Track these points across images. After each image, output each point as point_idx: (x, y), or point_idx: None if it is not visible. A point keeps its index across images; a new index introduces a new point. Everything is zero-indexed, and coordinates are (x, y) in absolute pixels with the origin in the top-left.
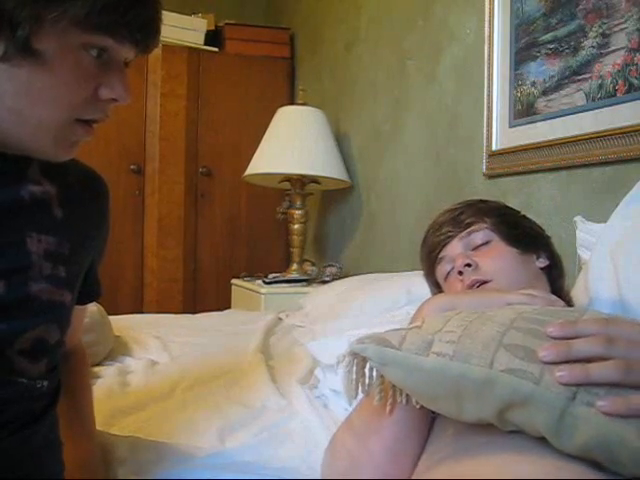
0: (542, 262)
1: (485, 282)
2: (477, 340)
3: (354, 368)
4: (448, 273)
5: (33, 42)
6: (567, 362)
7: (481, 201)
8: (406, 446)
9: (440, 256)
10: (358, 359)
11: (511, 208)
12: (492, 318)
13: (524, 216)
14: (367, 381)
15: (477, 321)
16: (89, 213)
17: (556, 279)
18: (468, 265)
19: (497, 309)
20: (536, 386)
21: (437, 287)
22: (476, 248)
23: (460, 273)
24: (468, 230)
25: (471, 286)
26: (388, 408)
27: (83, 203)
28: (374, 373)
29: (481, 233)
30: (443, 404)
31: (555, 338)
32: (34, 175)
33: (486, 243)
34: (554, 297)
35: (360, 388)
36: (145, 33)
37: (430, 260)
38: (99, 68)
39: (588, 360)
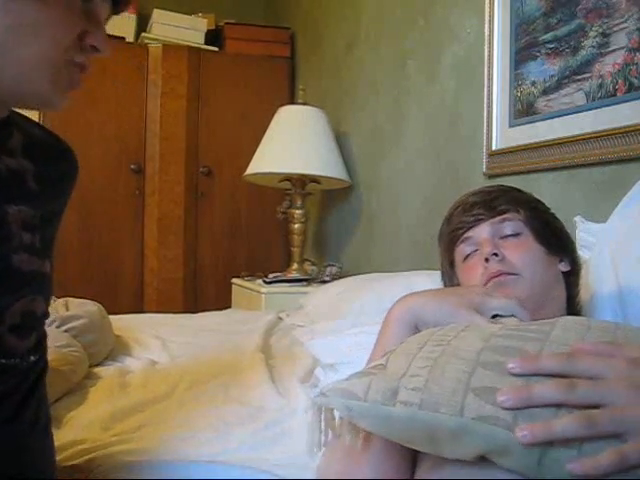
0: (564, 266)
1: (509, 274)
2: (444, 385)
3: (322, 416)
4: (469, 255)
5: None
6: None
7: (515, 189)
8: (391, 467)
9: (465, 236)
10: (326, 409)
11: (543, 203)
12: (458, 353)
13: (555, 215)
14: (337, 422)
15: (442, 358)
16: (60, 188)
17: (573, 286)
18: (495, 255)
19: (463, 332)
20: (510, 433)
21: (451, 266)
22: (504, 237)
23: (487, 260)
24: (501, 217)
25: (494, 276)
26: (360, 442)
27: (56, 177)
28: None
29: (513, 223)
30: (419, 446)
31: (515, 375)
32: (12, 148)
33: (515, 235)
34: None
35: (330, 432)
36: None
37: (452, 238)
38: (83, 16)
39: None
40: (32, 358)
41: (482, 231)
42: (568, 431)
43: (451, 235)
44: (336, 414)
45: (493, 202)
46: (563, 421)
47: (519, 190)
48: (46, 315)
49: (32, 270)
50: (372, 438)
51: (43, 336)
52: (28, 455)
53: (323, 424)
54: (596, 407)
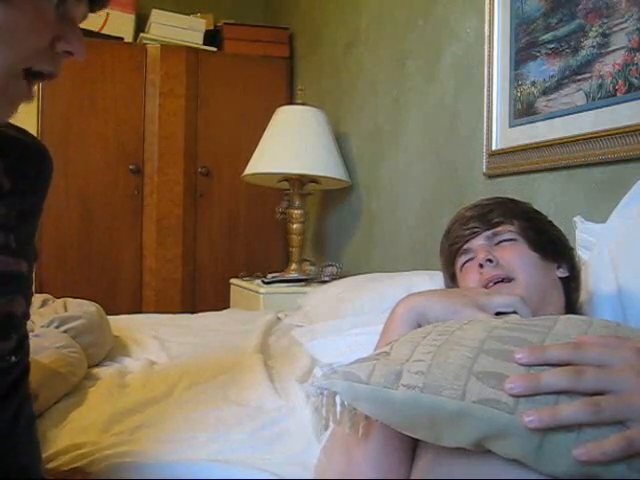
0: (562, 272)
1: (503, 280)
2: (447, 369)
3: (324, 400)
4: (465, 262)
5: None
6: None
7: (512, 201)
8: (391, 460)
9: (463, 249)
10: (328, 392)
11: (540, 213)
12: (461, 341)
13: (551, 223)
14: (339, 409)
15: (446, 345)
16: (34, 184)
17: (572, 292)
18: (489, 260)
19: (467, 324)
20: (511, 416)
21: (453, 280)
22: (498, 243)
23: (481, 266)
24: (494, 230)
25: (490, 281)
26: (361, 431)
27: (29, 175)
28: (345, 402)
29: (507, 234)
30: (419, 432)
31: (523, 365)
32: None
33: (509, 240)
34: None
35: (331, 418)
36: None
37: (451, 252)
38: (57, 20)
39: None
40: (13, 359)
41: (477, 242)
42: (574, 417)
43: (450, 249)
44: (337, 400)
45: (488, 215)
46: (570, 407)
47: (515, 201)
48: (27, 316)
49: (8, 271)
50: (372, 430)
51: (25, 337)
52: (10, 456)
53: (324, 410)
54: (601, 394)
